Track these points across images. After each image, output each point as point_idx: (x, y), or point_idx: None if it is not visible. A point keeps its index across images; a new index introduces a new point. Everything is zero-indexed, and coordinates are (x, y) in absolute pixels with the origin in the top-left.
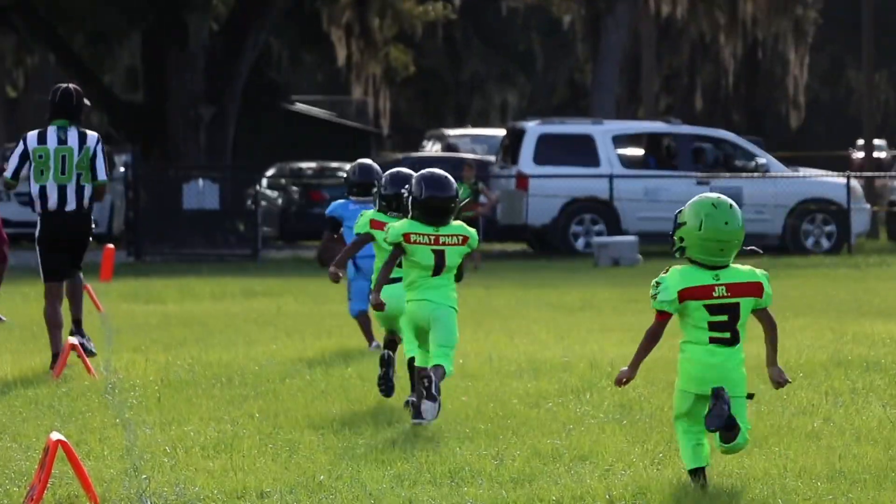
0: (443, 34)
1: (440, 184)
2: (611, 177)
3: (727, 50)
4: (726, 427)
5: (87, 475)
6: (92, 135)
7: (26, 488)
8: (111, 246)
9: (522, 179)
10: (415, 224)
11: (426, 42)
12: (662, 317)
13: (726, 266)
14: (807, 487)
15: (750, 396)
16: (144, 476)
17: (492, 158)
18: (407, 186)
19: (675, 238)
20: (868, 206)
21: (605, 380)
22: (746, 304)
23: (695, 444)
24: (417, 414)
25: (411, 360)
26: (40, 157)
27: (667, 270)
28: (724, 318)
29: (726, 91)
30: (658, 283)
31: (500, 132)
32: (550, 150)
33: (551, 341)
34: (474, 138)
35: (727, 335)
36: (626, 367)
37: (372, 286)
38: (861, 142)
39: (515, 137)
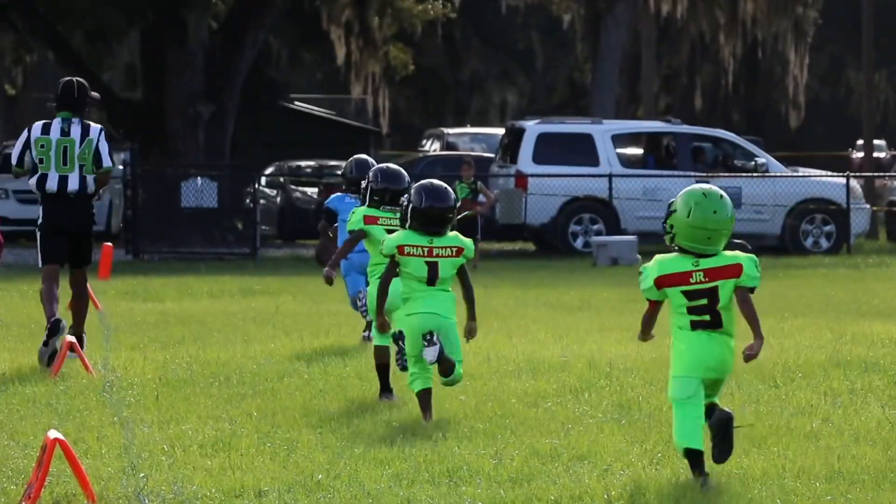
0: (442, 33)
1: (439, 194)
2: (610, 176)
3: (727, 49)
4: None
5: (84, 473)
6: (95, 126)
7: (24, 486)
8: (109, 244)
9: (521, 179)
10: (410, 235)
11: (426, 41)
12: (650, 303)
13: (715, 255)
14: (805, 488)
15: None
16: (142, 474)
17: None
18: (406, 196)
19: (666, 225)
20: (867, 206)
21: (604, 379)
22: (726, 286)
23: (693, 423)
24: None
25: (424, 390)
26: (42, 146)
27: (652, 260)
28: (704, 301)
29: (726, 91)
30: (641, 272)
31: (500, 131)
32: (550, 149)
33: (550, 341)
34: (473, 137)
35: (707, 318)
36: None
37: (370, 300)
38: (861, 142)
39: (515, 137)
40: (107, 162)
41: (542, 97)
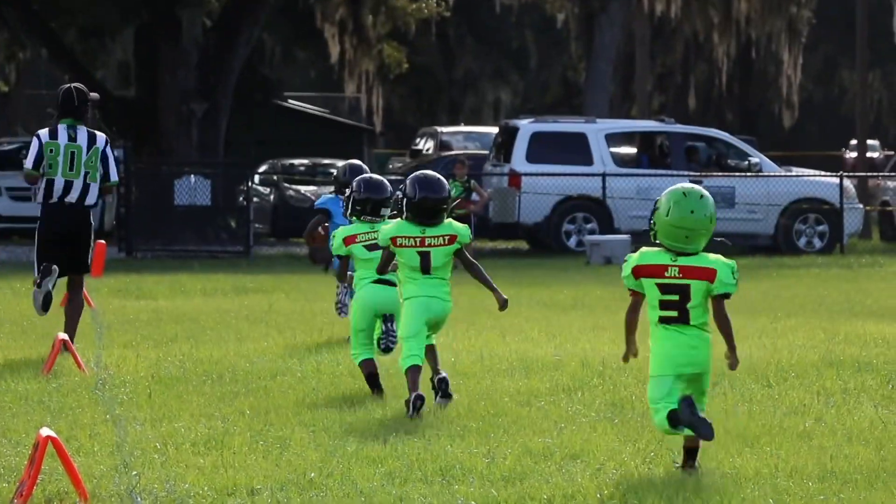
0: (436, 31)
1: (433, 185)
2: (604, 175)
3: (721, 49)
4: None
5: (76, 471)
6: (101, 136)
7: (16, 484)
8: (102, 242)
9: (515, 177)
10: (403, 226)
11: (419, 39)
12: (631, 295)
13: (694, 254)
14: (798, 487)
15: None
16: (135, 472)
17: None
18: (401, 187)
19: (651, 222)
20: (861, 206)
21: (597, 378)
22: (698, 286)
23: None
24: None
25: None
26: (51, 151)
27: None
28: (675, 297)
29: (720, 90)
30: (626, 260)
31: (493, 130)
32: (543, 148)
33: (543, 340)
34: (467, 136)
35: (675, 314)
36: (625, 352)
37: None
38: (854, 142)
39: (508, 135)
40: (114, 177)
41: (536, 96)
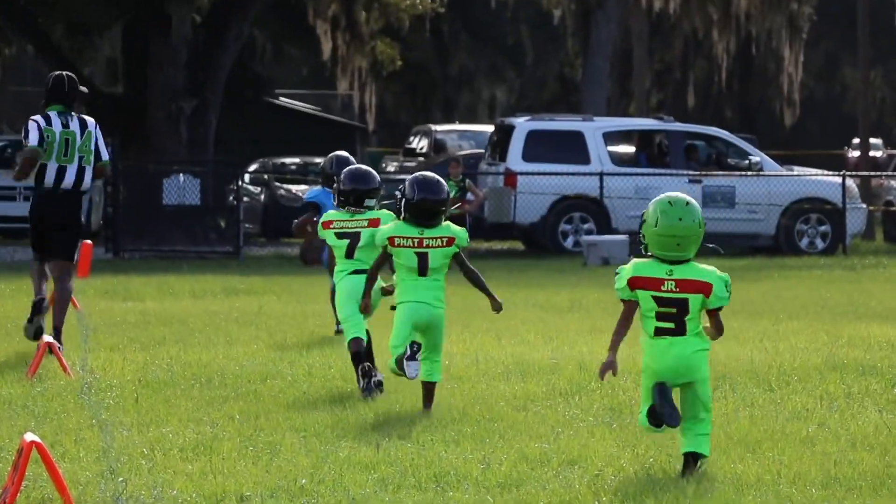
0: (430, 27)
1: (432, 187)
2: (601, 174)
3: (720, 45)
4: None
5: (61, 478)
6: (90, 120)
7: None
8: (89, 242)
9: (511, 177)
10: (401, 227)
11: (413, 35)
12: (624, 304)
13: (686, 262)
14: (801, 494)
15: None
16: (121, 479)
17: None
18: (400, 187)
19: (640, 235)
20: (864, 205)
21: (595, 382)
22: (695, 300)
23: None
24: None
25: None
26: (47, 137)
27: (629, 262)
28: (672, 310)
29: (719, 87)
30: (618, 272)
31: (489, 128)
32: (540, 146)
33: (539, 343)
34: (462, 134)
35: (672, 325)
36: (605, 360)
37: (337, 298)
38: (857, 140)
39: (504, 134)
40: (105, 156)
41: (532, 93)
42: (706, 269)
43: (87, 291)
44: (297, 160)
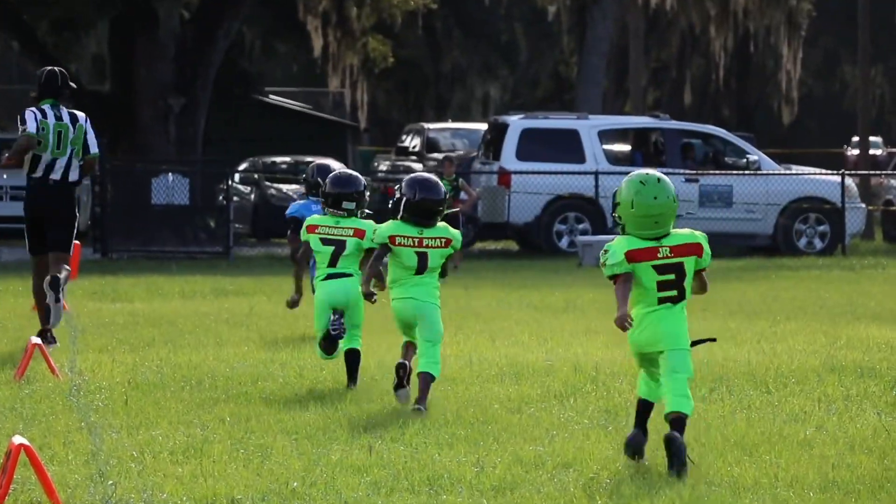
0: (423, 24)
1: (431, 187)
2: (596, 174)
3: (718, 42)
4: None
5: (50, 481)
6: (81, 113)
7: None
8: (77, 242)
9: (505, 176)
10: (401, 226)
11: (405, 32)
12: (618, 279)
13: (667, 235)
14: (799, 498)
15: (694, 343)
16: (110, 482)
17: None
18: (397, 188)
19: (615, 217)
20: (863, 205)
21: (590, 384)
22: (689, 262)
23: (652, 381)
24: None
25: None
26: (42, 129)
27: (614, 239)
28: (672, 276)
29: (716, 85)
30: (606, 251)
31: (482, 126)
32: (534, 145)
33: (534, 344)
34: (455, 132)
35: (674, 293)
36: (618, 314)
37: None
38: (856, 138)
39: (498, 132)
40: (94, 149)
41: (526, 91)
42: (686, 233)
43: (75, 292)
44: (287, 159)
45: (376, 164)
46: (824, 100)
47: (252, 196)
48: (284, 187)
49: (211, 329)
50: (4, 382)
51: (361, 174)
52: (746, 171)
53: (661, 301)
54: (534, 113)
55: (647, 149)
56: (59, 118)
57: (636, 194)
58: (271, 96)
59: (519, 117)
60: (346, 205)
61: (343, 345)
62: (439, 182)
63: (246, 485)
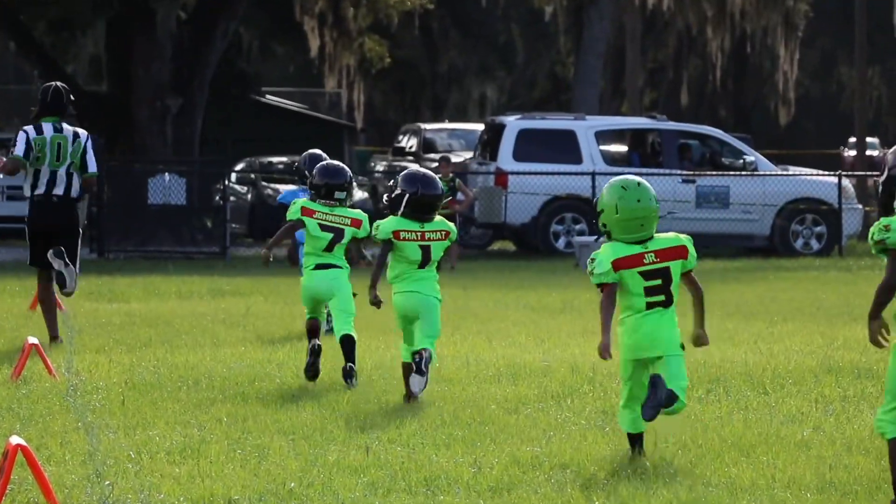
0: (419, 24)
1: (430, 183)
2: (593, 174)
3: (715, 43)
4: (665, 405)
5: (47, 481)
6: (83, 131)
7: None
8: None
9: (501, 176)
10: (403, 221)
11: (402, 33)
12: (605, 287)
13: (651, 238)
14: (796, 499)
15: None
16: (108, 482)
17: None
18: (391, 184)
19: (599, 225)
20: (860, 206)
21: (587, 385)
22: (676, 266)
23: (634, 416)
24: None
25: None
26: (38, 145)
27: (600, 248)
28: (658, 282)
29: (713, 86)
30: (593, 259)
31: (479, 127)
32: (531, 146)
33: (531, 345)
34: (451, 133)
35: (662, 298)
36: (601, 342)
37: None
38: (853, 139)
39: (494, 133)
40: (92, 168)
41: (523, 92)
42: (671, 237)
43: None
44: (284, 159)
45: (373, 164)
46: (821, 101)
47: (249, 196)
48: (281, 187)
49: (208, 329)
50: (1, 383)
51: (360, 174)
52: (743, 172)
53: (650, 306)
54: (530, 113)
55: (643, 149)
56: (58, 130)
57: (620, 199)
58: (268, 97)
59: (516, 118)
60: (338, 194)
61: (337, 332)
62: (435, 177)
63: (243, 485)
